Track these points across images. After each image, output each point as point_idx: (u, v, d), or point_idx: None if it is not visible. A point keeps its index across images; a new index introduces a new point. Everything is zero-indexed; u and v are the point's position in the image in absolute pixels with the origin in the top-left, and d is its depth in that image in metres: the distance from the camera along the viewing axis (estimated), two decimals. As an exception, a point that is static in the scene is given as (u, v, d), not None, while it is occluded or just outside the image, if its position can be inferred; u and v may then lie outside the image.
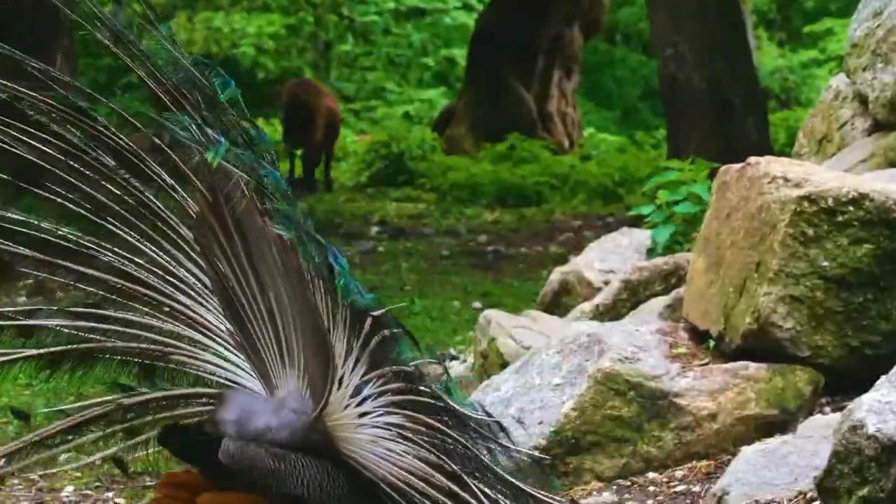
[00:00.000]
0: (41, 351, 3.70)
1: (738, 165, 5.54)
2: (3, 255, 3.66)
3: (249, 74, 27.27)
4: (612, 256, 7.82)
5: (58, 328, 3.70)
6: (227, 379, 3.65)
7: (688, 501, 4.85)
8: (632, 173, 18.05)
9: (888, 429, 3.80)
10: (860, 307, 5.16)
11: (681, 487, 4.96)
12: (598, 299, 6.97)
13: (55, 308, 3.72)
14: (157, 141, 3.58)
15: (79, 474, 5.76)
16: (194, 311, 3.66)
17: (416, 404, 3.55)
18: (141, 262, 3.68)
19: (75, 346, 3.70)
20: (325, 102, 18.79)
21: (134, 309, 3.70)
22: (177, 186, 3.64)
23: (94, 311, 3.72)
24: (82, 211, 3.66)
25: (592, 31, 23.76)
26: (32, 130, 3.60)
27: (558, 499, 3.72)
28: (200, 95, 3.52)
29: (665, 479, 5.04)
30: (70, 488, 5.79)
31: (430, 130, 22.32)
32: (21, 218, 3.66)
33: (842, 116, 7.18)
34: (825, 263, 5.15)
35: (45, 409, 3.90)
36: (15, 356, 3.70)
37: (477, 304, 10.37)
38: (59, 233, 3.67)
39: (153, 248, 3.68)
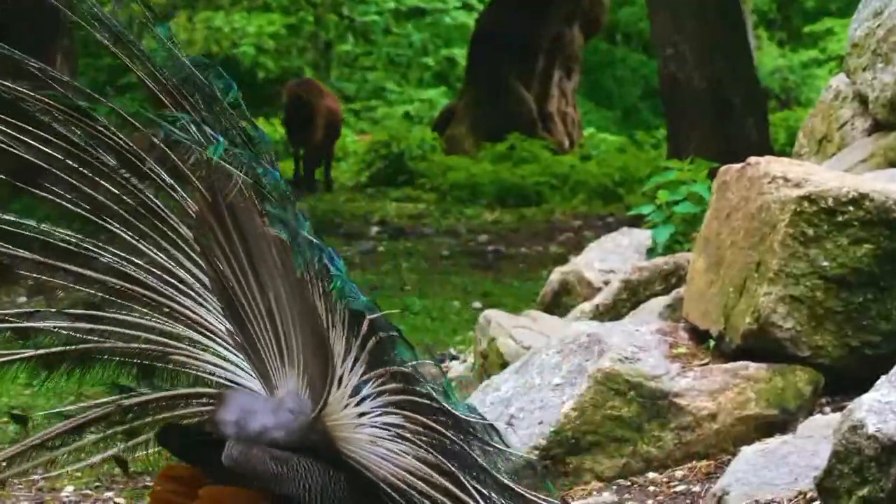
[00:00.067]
0: (38, 352, 3.68)
1: (738, 165, 5.53)
2: (3, 258, 3.65)
3: (250, 74, 27.27)
4: (612, 256, 7.82)
5: (55, 329, 3.69)
6: (226, 379, 3.65)
7: (688, 501, 4.84)
8: (632, 173, 18.06)
9: (888, 429, 3.80)
10: (860, 307, 5.16)
11: (681, 487, 4.95)
12: (598, 299, 6.96)
13: (53, 310, 3.71)
14: (156, 141, 3.57)
15: (79, 474, 5.75)
16: (194, 312, 3.65)
17: (414, 405, 3.54)
18: (140, 262, 3.67)
19: (73, 347, 3.69)
20: (325, 102, 18.80)
21: (133, 309, 3.69)
22: (176, 186, 3.63)
23: (92, 312, 3.71)
24: (81, 211, 3.66)
25: (593, 31, 23.77)
26: (32, 130, 3.59)
27: (552, 500, 3.71)
28: (200, 95, 3.52)
29: (665, 479, 5.04)
30: (70, 488, 5.79)
31: (430, 130, 22.33)
32: (20, 220, 3.66)
33: (842, 116, 7.17)
34: (825, 263, 5.15)
35: (45, 412, 3.88)
36: (11, 357, 3.69)
37: (477, 304, 10.37)
38: (58, 234, 3.67)
39: (152, 248, 3.67)
